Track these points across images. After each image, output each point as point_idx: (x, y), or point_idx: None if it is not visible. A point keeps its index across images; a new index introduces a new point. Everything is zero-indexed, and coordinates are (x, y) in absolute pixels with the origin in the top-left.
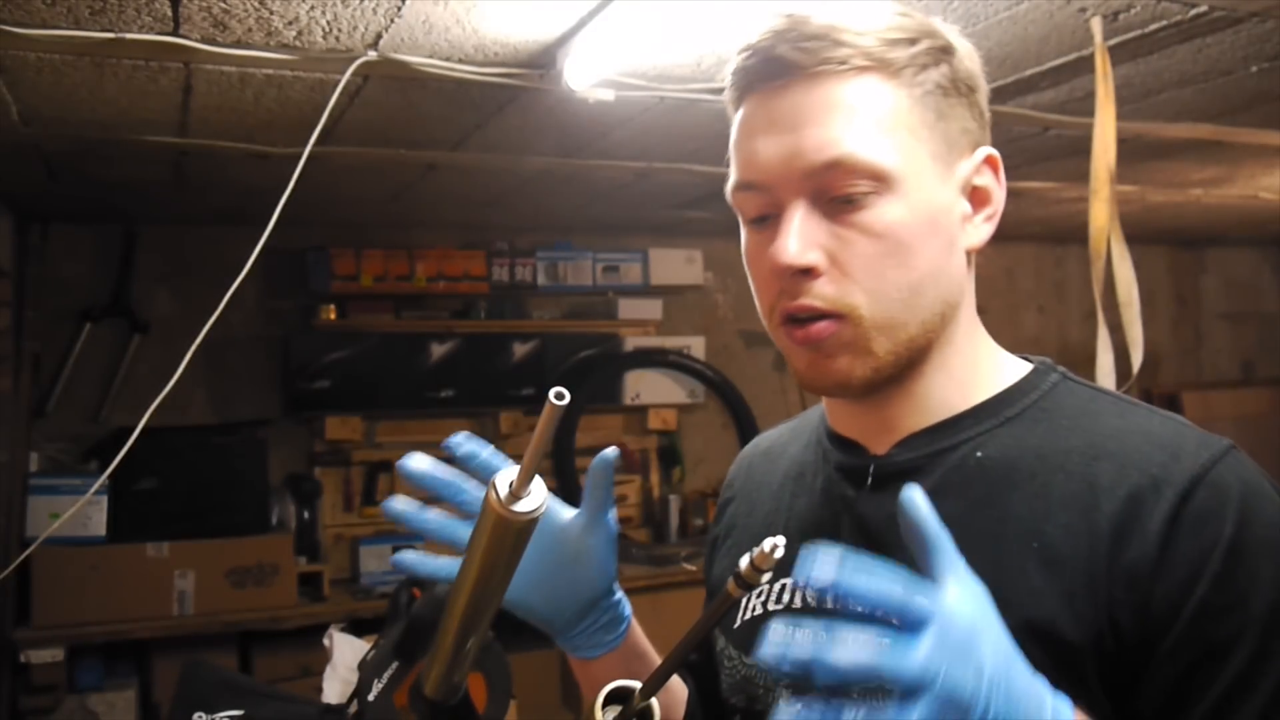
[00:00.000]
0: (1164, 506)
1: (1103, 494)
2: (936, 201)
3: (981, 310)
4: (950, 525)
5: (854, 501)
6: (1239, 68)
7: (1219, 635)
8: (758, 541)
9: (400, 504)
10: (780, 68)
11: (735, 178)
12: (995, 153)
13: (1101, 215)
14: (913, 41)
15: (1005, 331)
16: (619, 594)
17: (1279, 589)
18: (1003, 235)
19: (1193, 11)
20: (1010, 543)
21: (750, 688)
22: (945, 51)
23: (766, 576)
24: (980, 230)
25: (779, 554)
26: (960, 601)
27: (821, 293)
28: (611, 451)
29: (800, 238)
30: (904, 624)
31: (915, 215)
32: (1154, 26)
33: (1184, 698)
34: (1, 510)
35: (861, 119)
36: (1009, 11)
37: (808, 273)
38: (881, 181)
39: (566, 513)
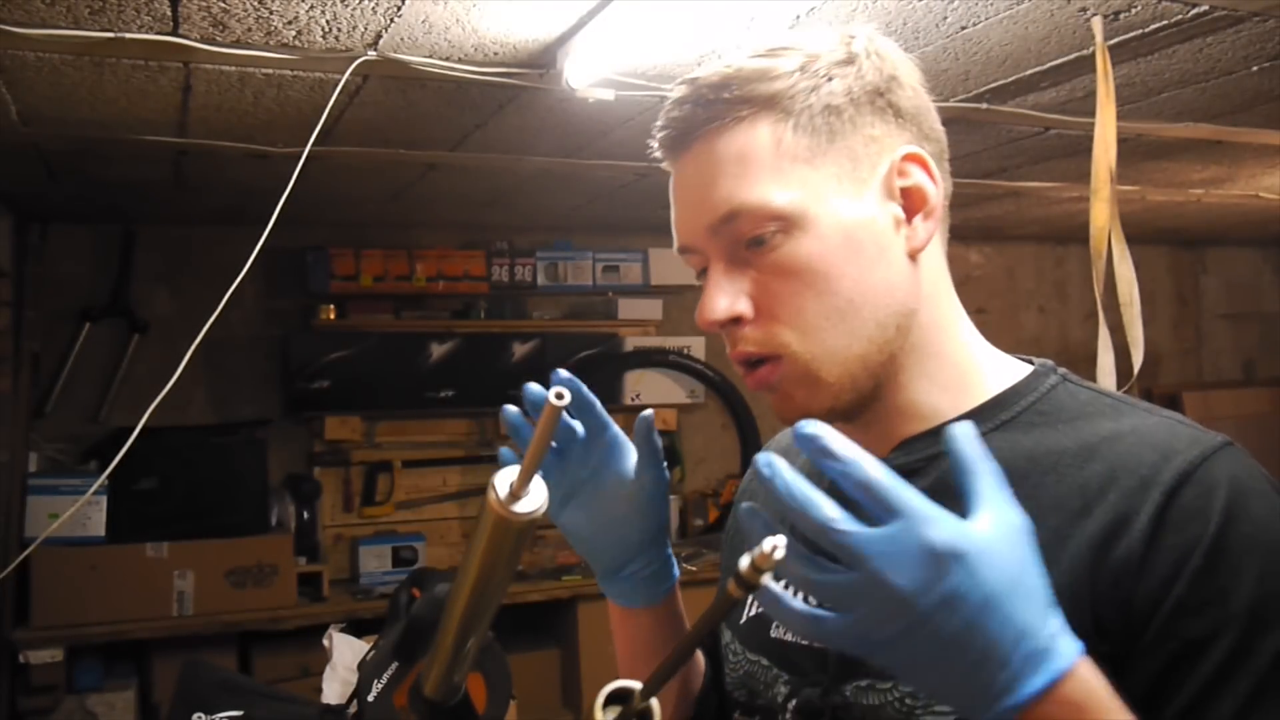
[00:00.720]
0: (1150, 506)
1: (1093, 497)
2: (850, 220)
3: (981, 310)
4: None
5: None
6: (1240, 67)
7: (1197, 631)
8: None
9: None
10: (678, 134)
11: (675, 242)
12: (916, 149)
13: (1102, 215)
14: (802, 68)
15: (1005, 331)
16: (669, 549)
17: (1262, 586)
18: (1003, 235)
19: (1194, 11)
20: None
21: (752, 683)
22: (842, 64)
23: (767, 577)
24: (921, 230)
25: (779, 554)
26: (985, 526)
27: (753, 338)
28: (649, 413)
29: (720, 292)
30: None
31: (826, 242)
32: (1155, 26)
33: (1162, 693)
34: (0, 510)
35: (750, 167)
36: (1009, 11)
37: (736, 322)
38: (782, 220)
39: (627, 460)
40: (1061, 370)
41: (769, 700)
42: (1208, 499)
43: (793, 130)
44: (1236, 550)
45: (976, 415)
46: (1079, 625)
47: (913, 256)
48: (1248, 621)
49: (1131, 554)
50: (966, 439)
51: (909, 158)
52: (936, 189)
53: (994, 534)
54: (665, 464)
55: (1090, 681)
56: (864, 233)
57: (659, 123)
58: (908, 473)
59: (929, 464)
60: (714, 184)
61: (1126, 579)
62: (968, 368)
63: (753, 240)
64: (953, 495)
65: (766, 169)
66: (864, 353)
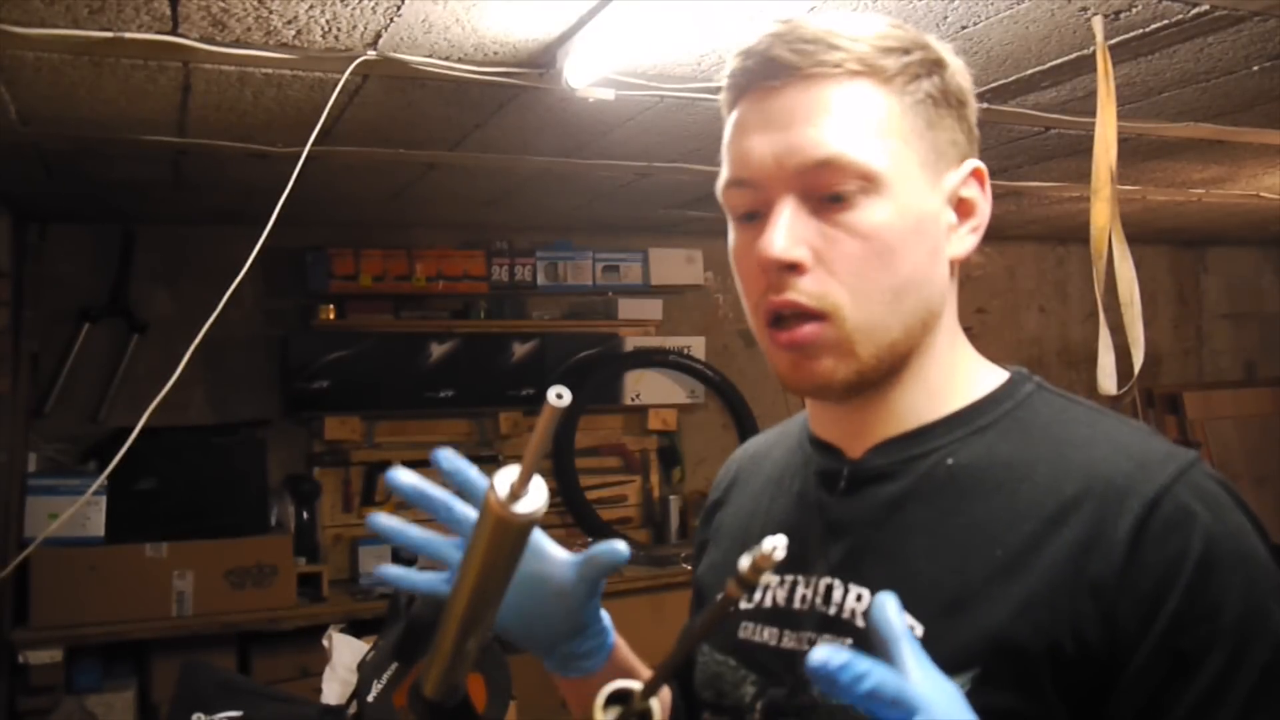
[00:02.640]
0: (1129, 518)
1: (1068, 504)
2: (923, 208)
3: (982, 310)
4: (916, 531)
5: (827, 505)
6: (1240, 67)
7: (1191, 647)
8: (737, 543)
9: (384, 520)
10: (775, 69)
11: (727, 175)
12: (982, 166)
13: (1103, 215)
14: (906, 51)
15: (1006, 331)
16: (602, 624)
17: (1247, 601)
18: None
19: (1194, 10)
20: (975, 550)
21: (719, 683)
22: (937, 64)
23: (766, 576)
24: (965, 241)
25: (779, 554)
26: (937, 698)
27: (806, 289)
28: (624, 552)
29: (788, 233)
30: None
31: (902, 219)
32: (1155, 26)
33: (1158, 709)
34: (0, 511)
35: (854, 121)
36: (1010, 11)
37: (793, 269)
38: (870, 182)
39: (557, 551)
40: (1037, 378)
41: (736, 700)
42: (1188, 514)
43: (899, 105)
44: (1224, 565)
45: (954, 421)
46: (1056, 635)
47: (952, 264)
48: (1237, 634)
49: (1110, 568)
50: (887, 613)
51: (976, 172)
52: (988, 207)
53: (943, 698)
54: (604, 581)
55: None
56: (930, 225)
57: (740, 54)
58: (884, 475)
59: (903, 468)
60: (818, 125)
61: (1106, 593)
62: (954, 374)
63: (834, 196)
64: (924, 501)
65: (871, 129)
66: (896, 339)
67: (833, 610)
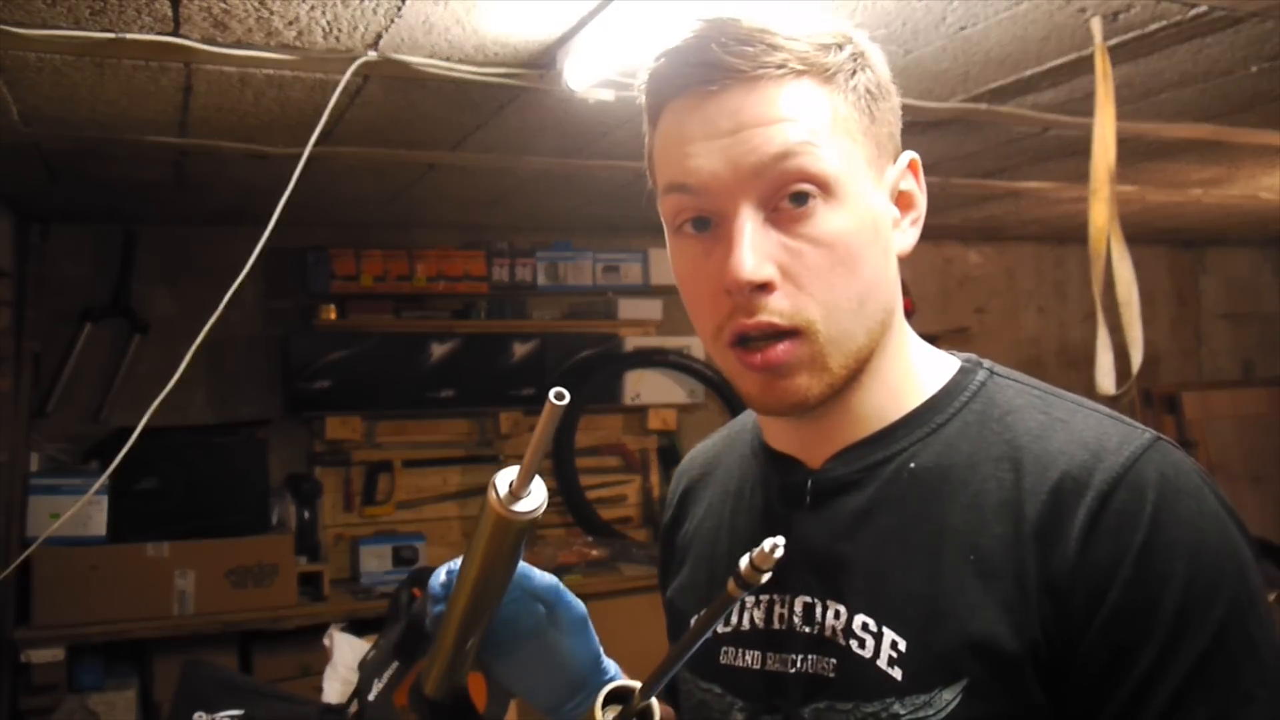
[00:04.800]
0: (1083, 512)
1: (1027, 499)
2: (874, 208)
3: (981, 310)
4: (887, 540)
5: (793, 522)
6: (1239, 68)
7: (1129, 638)
8: (705, 561)
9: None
10: (714, 72)
11: (666, 180)
12: (916, 156)
13: (1101, 215)
14: (840, 46)
15: (1004, 332)
16: (605, 676)
17: (1187, 591)
18: (1003, 235)
19: (1193, 11)
20: (948, 555)
21: (706, 711)
22: (864, 56)
23: (766, 576)
24: (908, 235)
25: (779, 554)
26: None
27: (778, 308)
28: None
29: (754, 251)
30: None
31: (859, 222)
32: (1154, 26)
33: (1097, 700)
34: (1, 510)
35: (804, 123)
36: (1009, 11)
37: (763, 288)
38: (825, 188)
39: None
40: (987, 363)
41: None
42: (1139, 504)
43: (844, 103)
44: (1165, 556)
45: (913, 420)
46: (1032, 635)
47: (899, 258)
48: (1173, 626)
49: (1065, 563)
50: None
51: (912, 163)
52: (924, 200)
53: None
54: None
55: None
56: (882, 224)
57: (666, 56)
58: (847, 485)
59: (867, 475)
60: (769, 126)
61: (1062, 591)
62: (909, 370)
63: (795, 195)
64: (890, 509)
65: (822, 130)
66: (862, 345)
67: (814, 630)
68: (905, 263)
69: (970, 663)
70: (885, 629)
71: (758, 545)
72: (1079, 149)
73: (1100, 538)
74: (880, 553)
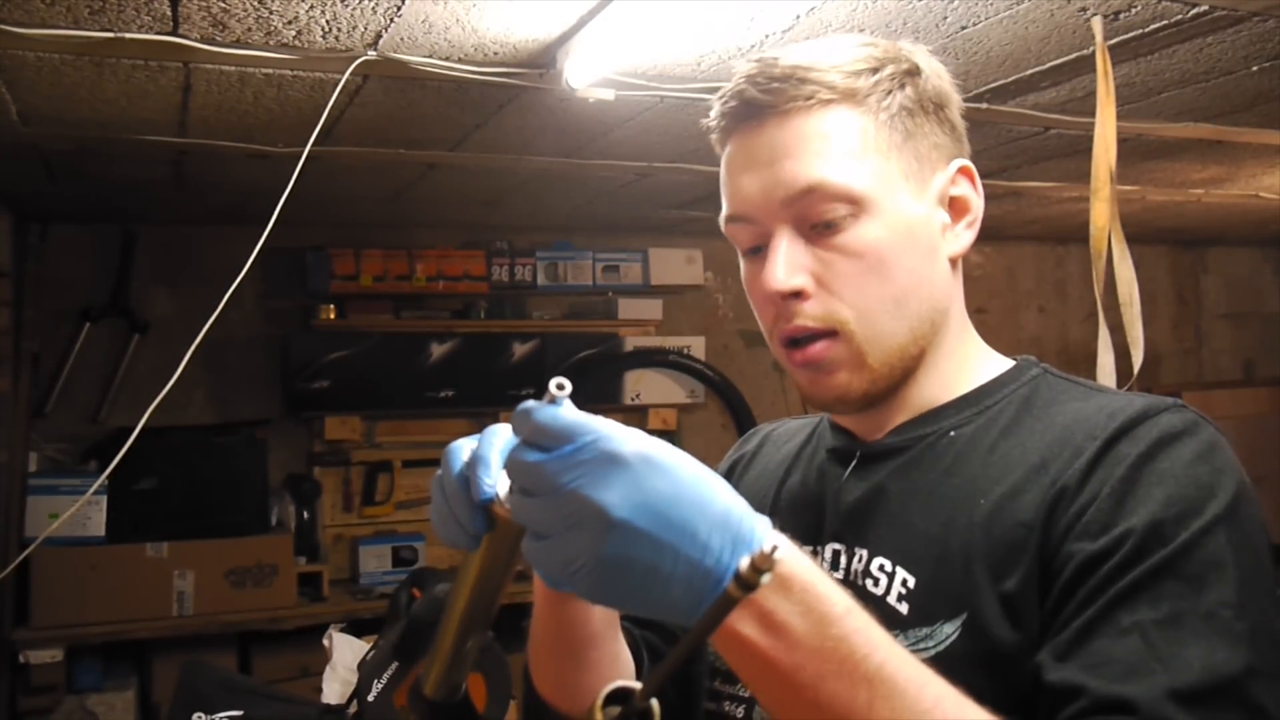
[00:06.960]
0: (1088, 454)
1: (1049, 452)
2: (912, 216)
3: (981, 310)
4: (915, 494)
5: (839, 481)
6: (1240, 67)
7: (1097, 548)
8: (756, 502)
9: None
10: (751, 110)
11: (725, 211)
12: (969, 163)
13: (1102, 215)
14: (875, 70)
15: (1005, 331)
16: None
17: (1165, 510)
18: (1003, 235)
19: (1194, 11)
20: (962, 504)
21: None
22: (910, 74)
23: (766, 577)
24: (962, 238)
25: (779, 554)
26: (648, 441)
27: (811, 312)
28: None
29: (785, 264)
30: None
31: (892, 232)
32: (1155, 26)
33: (1063, 600)
34: (0, 510)
35: (832, 148)
36: (1009, 11)
37: (797, 295)
38: (856, 204)
39: None
40: (1043, 365)
41: None
42: (1140, 445)
43: (874, 124)
44: (1147, 482)
45: (962, 402)
46: (1033, 570)
47: (952, 261)
48: (1141, 538)
49: (1067, 498)
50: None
51: (963, 170)
52: (980, 202)
53: (658, 444)
54: None
55: (802, 560)
56: (921, 230)
57: (724, 96)
58: (891, 451)
59: (912, 443)
60: (797, 157)
61: (1064, 526)
62: (963, 363)
63: (824, 224)
64: (927, 466)
65: (849, 153)
66: (905, 343)
67: (838, 574)
68: None
69: (972, 598)
70: (899, 569)
71: (801, 500)
72: (1080, 148)
73: (1098, 469)
74: (908, 505)
